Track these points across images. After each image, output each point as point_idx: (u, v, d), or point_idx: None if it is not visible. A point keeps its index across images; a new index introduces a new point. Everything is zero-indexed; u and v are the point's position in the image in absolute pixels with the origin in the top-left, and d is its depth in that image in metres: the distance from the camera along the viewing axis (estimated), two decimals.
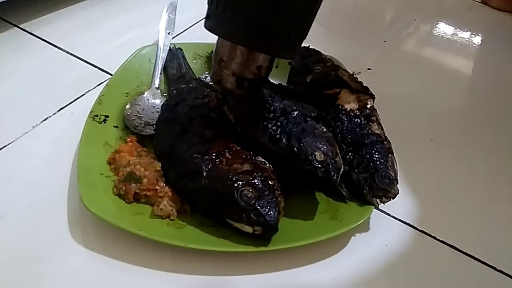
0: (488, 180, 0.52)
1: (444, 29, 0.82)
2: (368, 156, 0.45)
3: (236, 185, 0.39)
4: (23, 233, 0.41)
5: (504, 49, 0.78)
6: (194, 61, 0.61)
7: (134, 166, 0.43)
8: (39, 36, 0.66)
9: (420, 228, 0.46)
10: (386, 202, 0.44)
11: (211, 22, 0.37)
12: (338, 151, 0.43)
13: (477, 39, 0.80)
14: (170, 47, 0.60)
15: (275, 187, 0.40)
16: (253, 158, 0.42)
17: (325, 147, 0.41)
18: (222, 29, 0.36)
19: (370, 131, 0.47)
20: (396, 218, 0.47)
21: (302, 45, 0.59)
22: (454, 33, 0.81)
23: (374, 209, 0.44)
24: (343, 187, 0.44)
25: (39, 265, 0.39)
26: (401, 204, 0.47)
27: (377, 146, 0.46)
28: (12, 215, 0.43)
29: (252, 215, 0.38)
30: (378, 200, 0.43)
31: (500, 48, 0.79)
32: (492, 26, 0.85)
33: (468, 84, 0.71)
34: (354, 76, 0.54)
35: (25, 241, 0.41)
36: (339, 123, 0.47)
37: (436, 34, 0.81)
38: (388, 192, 0.43)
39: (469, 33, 0.81)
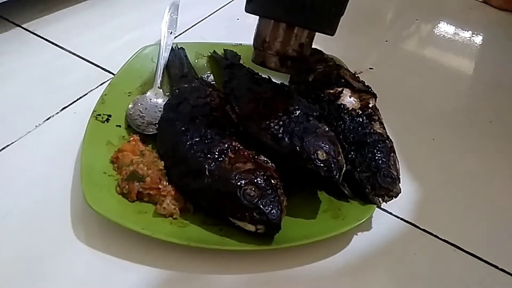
0: (490, 179, 0.52)
1: (445, 28, 0.82)
2: (370, 155, 0.45)
3: (238, 184, 0.39)
4: (26, 231, 0.42)
5: (505, 48, 0.78)
6: (196, 61, 0.61)
7: (137, 165, 0.43)
8: (41, 35, 0.67)
9: (422, 227, 0.46)
10: (388, 201, 0.44)
11: (253, 4, 0.38)
12: (340, 150, 0.43)
13: (478, 39, 0.80)
14: (172, 47, 0.60)
15: (278, 186, 0.40)
16: (256, 157, 0.42)
17: (327, 146, 0.42)
18: (265, 8, 0.38)
19: (372, 130, 0.47)
20: (398, 217, 0.47)
21: None
22: (455, 33, 0.81)
23: (376, 208, 0.44)
24: (345, 186, 0.44)
25: (42, 264, 0.39)
26: (403, 203, 0.47)
27: (379, 145, 0.46)
28: (16, 213, 0.43)
29: (254, 214, 0.38)
30: (380, 199, 0.44)
31: (501, 47, 0.79)
32: (493, 25, 0.85)
33: (469, 83, 0.72)
34: (356, 75, 0.55)
35: (29, 240, 0.41)
36: (341, 122, 0.47)
37: (437, 33, 0.81)
38: (390, 191, 0.43)
39: (470, 32, 0.81)
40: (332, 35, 0.38)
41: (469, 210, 0.49)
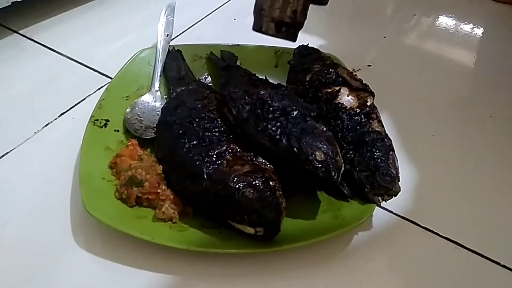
0: (491, 175, 0.52)
1: (444, 22, 0.82)
2: (368, 154, 0.45)
3: (237, 186, 0.39)
4: (27, 239, 0.42)
5: (505, 41, 0.77)
6: (193, 63, 0.60)
7: (136, 170, 0.43)
8: (38, 41, 0.67)
9: (423, 225, 0.46)
10: (388, 200, 0.44)
11: None
12: (339, 150, 0.43)
13: (477, 32, 0.80)
14: (169, 49, 0.60)
15: (276, 188, 0.40)
16: (254, 159, 0.42)
17: (325, 146, 0.41)
18: None
19: (370, 129, 0.47)
20: (398, 215, 0.46)
21: (301, 44, 0.60)
22: (454, 27, 0.80)
23: (376, 207, 0.44)
24: (344, 186, 0.44)
25: (43, 270, 0.39)
26: (404, 201, 0.47)
27: (377, 144, 0.45)
28: (16, 221, 0.43)
29: (253, 216, 0.38)
30: (379, 198, 0.43)
31: (501, 40, 0.78)
32: (493, 18, 0.84)
33: (469, 77, 0.71)
34: (354, 73, 0.54)
35: (29, 246, 0.41)
36: (339, 121, 0.47)
37: (437, 28, 0.81)
38: (389, 190, 0.43)
39: (469, 26, 0.80)
40: (325, 4, 0.40)
41: (470, 206, 0.48)
